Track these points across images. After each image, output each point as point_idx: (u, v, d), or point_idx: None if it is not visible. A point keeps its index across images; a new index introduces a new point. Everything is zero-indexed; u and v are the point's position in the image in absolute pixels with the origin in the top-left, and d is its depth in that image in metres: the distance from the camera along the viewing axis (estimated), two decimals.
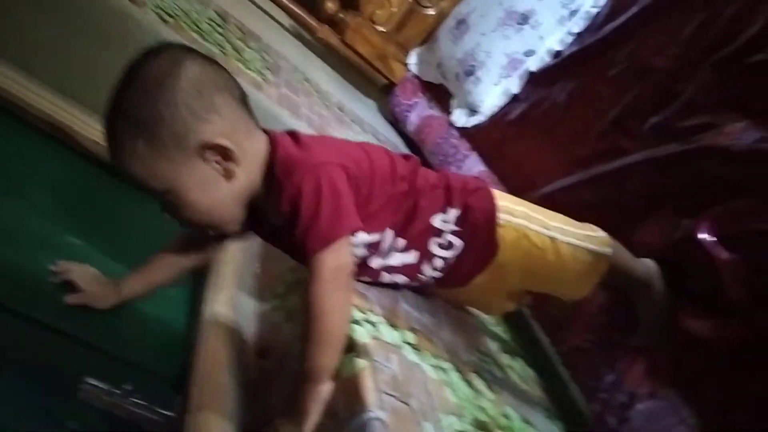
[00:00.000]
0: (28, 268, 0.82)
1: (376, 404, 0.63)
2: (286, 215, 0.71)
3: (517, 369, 1.05)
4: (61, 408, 0.70)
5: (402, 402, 0.68)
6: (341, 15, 2.10)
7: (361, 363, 0.68)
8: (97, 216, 1.02)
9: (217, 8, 1.68)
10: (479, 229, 0.89)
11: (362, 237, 0.81)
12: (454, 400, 0.76)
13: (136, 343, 0.85)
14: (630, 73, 1.36)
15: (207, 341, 0.85)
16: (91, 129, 1.12)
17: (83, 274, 0.83)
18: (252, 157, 0.73)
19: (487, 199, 0.91)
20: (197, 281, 0.99)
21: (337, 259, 0.69)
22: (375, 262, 0.86)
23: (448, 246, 0.89)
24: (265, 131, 0.78)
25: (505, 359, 1.05)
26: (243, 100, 0.74)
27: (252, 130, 0.74)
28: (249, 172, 0.73)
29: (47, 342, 0.76)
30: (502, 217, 0.90)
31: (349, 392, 0.66)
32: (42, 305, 0.78)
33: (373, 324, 0.78)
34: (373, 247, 0.84)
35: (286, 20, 2.18)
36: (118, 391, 0.71)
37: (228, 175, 0.71)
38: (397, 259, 0.87)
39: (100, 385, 0.71)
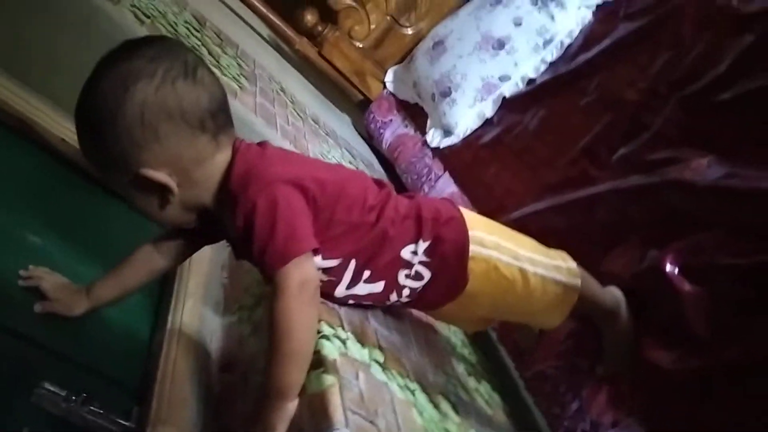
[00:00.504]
0: None
1: (342, 422, 0.62)
2: (240, 230, 0.69)
3: (483, 393, 1.05)
4: (17, 413, 0.67)
5: (368, 421, 0.67)
6: (320, 28, 2.10)
7: (329, 379, 0.67)
8: (64, 216, 0.99)
9: (194, 12, 1.66)
10: (449, 261, 0.87)
11: (317, 261, 0.77)
12: (420, 422, 0.76)
13: (97, 349, 0.82)
14: (600, 104, 1.40)
15: (169, 352, 0.82)
16: (59, 126, 1.09)
17: (53, 282, 0.80)
18: (203, 180, 0.72)
19: (459, 231, 0.88)
20: (163, 288, 0.96)
21: (301, 273, 0.67)
22: (338, 291, 0.83)
23: (417, 277, 0.86)
24: (235, 142, 0.75)
25: (471, 382, 1.05)
26: (212, 116, 0.70)
27: (208, 155, 0.71)
28: (195, 193, 0.72)
29: (5, 344, 0.72)
30: (472, 248, 0.88)
31: (315, 409, 0.65)
32: (2, 307, 0.75)
33: (341, 340, 0.77)
34: (332, 274, 0.80)
35: (265, 30, 2.17)
36: (75, 398, 0.68)
37: (162, 204, 0.71)
38: (363, 289, 0.84)
39: (58, 391, 0.68)
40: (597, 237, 1.14)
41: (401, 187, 1.87)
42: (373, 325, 0.90)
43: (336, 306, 0.85)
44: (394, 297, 0.88)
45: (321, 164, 0.84)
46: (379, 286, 0.85)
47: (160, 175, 0.68)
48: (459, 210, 0.92)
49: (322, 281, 0.78)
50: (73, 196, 1.06)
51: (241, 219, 0.69)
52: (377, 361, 0.80)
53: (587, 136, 1.37)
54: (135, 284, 0.83)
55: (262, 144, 0.77)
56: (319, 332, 0.73)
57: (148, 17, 1.30)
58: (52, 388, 0.69)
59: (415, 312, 1.06)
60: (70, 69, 1.10)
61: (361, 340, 0.81)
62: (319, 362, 0.70)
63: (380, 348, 0.84)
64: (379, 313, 0.94)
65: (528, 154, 1.53)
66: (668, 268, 0.94)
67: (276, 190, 0.69)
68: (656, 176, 1.10)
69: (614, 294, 1.00)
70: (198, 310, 0.94)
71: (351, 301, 0.87)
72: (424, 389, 0.84)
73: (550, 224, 1.27)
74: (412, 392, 0.81)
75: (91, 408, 0.70)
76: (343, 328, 0.81)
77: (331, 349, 0.72)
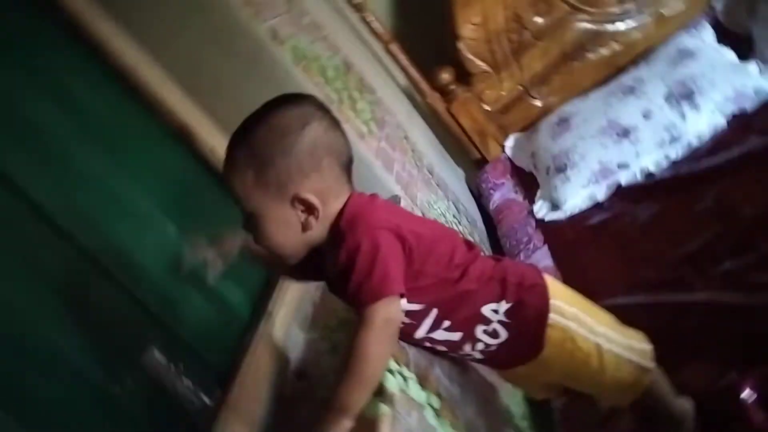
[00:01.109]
0: (128, 240, 0.95)
1: None
2: (341, 266, 0.78)
3: None
4: (122, 368, 0.81)
5: None
6: (452, 87, 2.23)
7: (385, 409, 0.75)
8: (197, 214, 1.15)
9: (344, 58, 1.84)
10: (528, 325, 0.92)
11: (402, 304, 0.82)
12: None
13: (197, 329, 0.96)
14: (715, 213, 1.38)
15: (256, 350, 0.94)
16: (212, 138, 1.27)
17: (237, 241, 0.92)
18: (331, 214, 0.83)
19: (541, 297, 0.94)
20: (263, 291, 1.09)
21: (387, 312, 0.76)
22: (418, 333, 0.89)
23: (494, 334, 0.91)
24: (351, 192, 0.86)
25: None
26: (347, 165, 0.85)
27: (342, 192, 0.84)
28: (323, 226, 0.83)
29: (125, 306, 0.87)
30: (552, 317, 0.92)
31: (366, 430, 0.72)
32: (133, 275, 0.90)
33: (404, 378, 0.84)
34: (414, 318, 0.87)
35: (402, 79, 2.33)
36: (174, 367, 0.81)
37: (306, 227, 0.82)
38: (441, 335, 0.90)
39: (162, 358, 0.81)
40: (680, 345, 1.12)
41: (499, 250, 1.91)
42: (437, 373, 0.96)
43: (406, 346, 0.93)
44: (468, 348, 0.93)
45: (419, 219, 0.93)
46: (456, 336, 0.91)
47: (313, 198, 0.80)
48: (543, 277, 0.97)
49: (404, 323, 0.86)
50: (211, 200, 1.23)
51: (344, 255, 0.78)
52: (432, 407, 0.86)
53: (694, 241, 1.36)
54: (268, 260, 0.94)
55: (372, 195, 0.88)
56: None
57: (304, 59, 1.48)
58: (158, 354, 0.83)
59: (483, 371, 1.10)
60: (231, 93, 1.30)
61: (423, 383, 0.88)
62: (379, 391, 0.77)
63: (439, 395, 0.90)
64: (445, 364, 1.00)
65: (631, 247, 1.53)
66: (745, 393, 0.92)
67: (379, 235, 0.79)
68: (755, 298, 1.08)
69: (685, 404, 0.99)
70: (288, 320, 1.05)
71: (427, 344, 0.93)
72: None
73: (636, 321, 1.25)
74: None
75: (184, 379, 0.83)
76: (409, 368, 0.88)
77: (393, 384, 0.80)
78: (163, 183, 1.14)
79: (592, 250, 1.61)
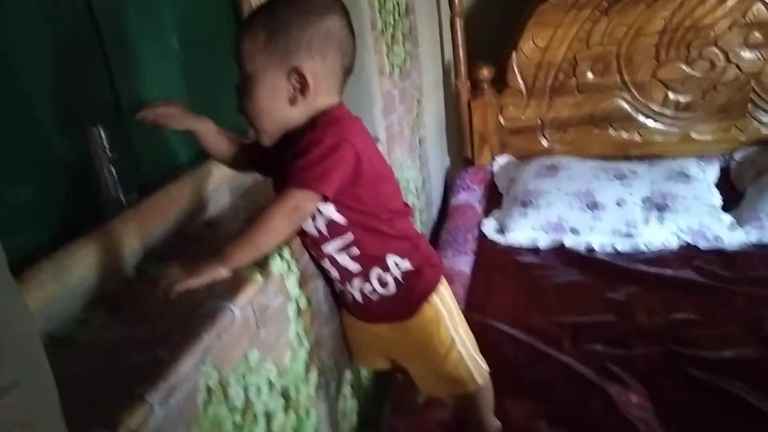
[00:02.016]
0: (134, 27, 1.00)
1: (239, 305, 0.78)
2: (297, 150, 0.86)
3: (348, 397, 1.18)
4: (67, 129, 0.87)
5: (256, 324, 0.83)
6: (485, 85, 2.29)
7: (258, 278, 0.84)
8: (202, 44, 1.20)
9: (410, 2, 1.88)
10: (413, 290, 1.01)
11: (330, 211, 0.91)
12: (287, 365, 0.91)
13: (149, 142, 1.02)
14: (617, 305, 1.51)
15: (182, 186, 1.01)
16: None
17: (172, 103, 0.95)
18: (315, 103, 0.89)
19: (435, 278, 1.04)
20: None
21: (303, 201, 0.84)
22: (327, 248, 0.96)
23: (383, 284, 1.00)
24: (341, 103, 0.93)
25: (347, 390, 1.19)
26: (346, 71, 0.91)
27: (332, 91, 0.91)
28: (305, 111, 0.90)
29: (99, 79, 0.93)
30: (434, 297, 1.03)
31: (232, 284, 0.81)
32: (123, 56, 0.96)
33: (289, 268, 0.93)
34: (332, 230, 0.94)
35: (448, 52, 2.37)
36: (109, 153, 0.89)
37: (292, 101, 0.88)
38: (343, 260, 0.97)
39: (103, 138, 0.88)
40: (520, 381, 1.26)
41: (435, 240, 2.02)
42: (318, 285, 1.06)
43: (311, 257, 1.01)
44: (357, 283, 1.00)
45: (381, 157, 1.00)
46: (354, 267, 0.98)
47: (309, 76, 0.86)
48: (443, 269, 1.08)
49: (320, 232, 0.94)
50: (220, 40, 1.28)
51: (306, 141, 0.85)
52: (298, 305, 0.96)
53: (589, 317, 1.49)
54: (219, 151, 1.01)
55: (357, 117, 0.96)
56: (280, 248, 0.90)
57: None
58: (101, 134, 0.89)
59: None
60: None
61: (301, 283, 0.98)
62: (262, 265, 0.87)
63: (308, 300, 1.00)
64: (326, 288, 1.09)
65: (536, 295, 1.64)
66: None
67: (344, 143, 0.86)
68: (603, 381, 1.21)
69: (495, 423, 1.12)
70: (223, 180, 1.13)
71: (326, 263, 1.00)
72: (310, 355, 0.98)
73: (499, 344, 1.39)
74: (301, 347, 0.96)
75: (112, 168, 0.90)
76: (297, 266, 0.97)
77: (277, 265, 0.89)
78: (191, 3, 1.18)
79: (505, 280, 1.73)
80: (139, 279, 0.90)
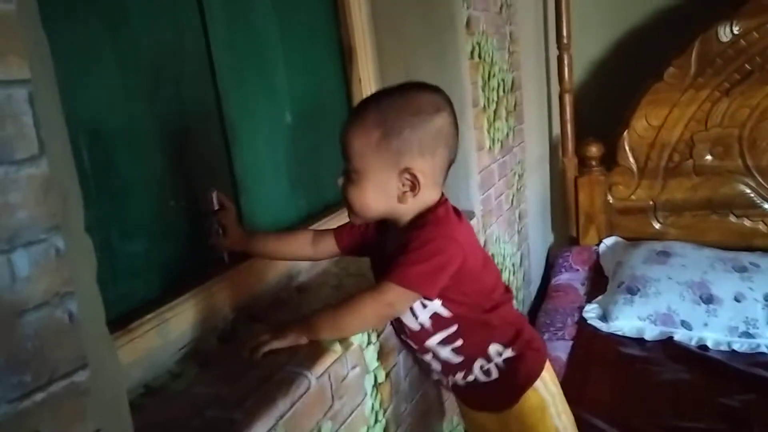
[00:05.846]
0: (251, 104, 1.10)
1: (316, 373, 0.80)
2: (404, 242, 0.85)
3: None
4: (185, 190, 0.96)
5: (332, 395, 0.84)
6: (593, 162, 2.23)
7: (338, 348, 0.85)
8: (311, 123, 1.29)
9: (517, 79, 1.91)
10: (517, 378, 0.98)
11: (436, 306, 0.90)
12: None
13: (256, 206, 1.10)
14: (723, 415, 1.35)
15: None
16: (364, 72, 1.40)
17: (233, 220, 0.97)
18: (421, 200, 0.88)
19: (539, 363, 1.00)
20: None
21: (399, 300, 0.84)
22: (430, 341, 0.94)
23: (487, 373, 0.97)
24: (443, 194, 0.93)
25: None
26: (450, 164, 0.91)
27: (437, 185, 0.90)
28: (410, 207, 0.88)
29: (217, 155, 1.03)
30: (538, 383, 0.99)
31: (312, 350, 0.83)
32: (236, 129, 1.06)
33: (369, 340, 0.94)
34: (436, 324, 0.92)
35: (556, 127, 2.35)
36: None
37: (401, 199, 0.87)
38: (446, 353, 0.95)
39: (216, 203, 0.96)
40: None
41: (532, 319, 1.94)
42: (398, 360, 1.05)
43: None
44: (459, 375, 0.98)
45: (482, 251, 0.99)
46: (457, 359, 0.96)
47: (420, 175, 0.86)
48: (547, 352, 1.04)
49: (423, 326, 0.93)
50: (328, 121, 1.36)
51: (415, 237, 0.85)
52: (376, 377, 0.96)
53: (690, 422, 1.35)
54: (283, 256, 1.05)
55: (462, 213, 0.95)
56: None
57: (479, 57, 1.56)
58: (216, 198, 0.97)
59: (444, 396, 1.16)
60: (413, 46, 1.40)
61: (381, 356, 0.98)
62: (347, 345, 0.88)
63: (387, 375, 0.99)
64: (410, 362, 1.08)
65: (637, 392, 1.52)
66: None
67: (452, 244, 0.86)
68: None
69: None
70: None
71: (428, 357, 0.97)
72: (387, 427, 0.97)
73: None
74: (376, 424, 0.95)
75: (219, 229, 0.98)
76: (378, 338, 0.98)
77: (357, 337, 0.90)
78: (305, 80, 1.28)
79: (604, 371, 1.61)
80: (231, 336, 0.96)
